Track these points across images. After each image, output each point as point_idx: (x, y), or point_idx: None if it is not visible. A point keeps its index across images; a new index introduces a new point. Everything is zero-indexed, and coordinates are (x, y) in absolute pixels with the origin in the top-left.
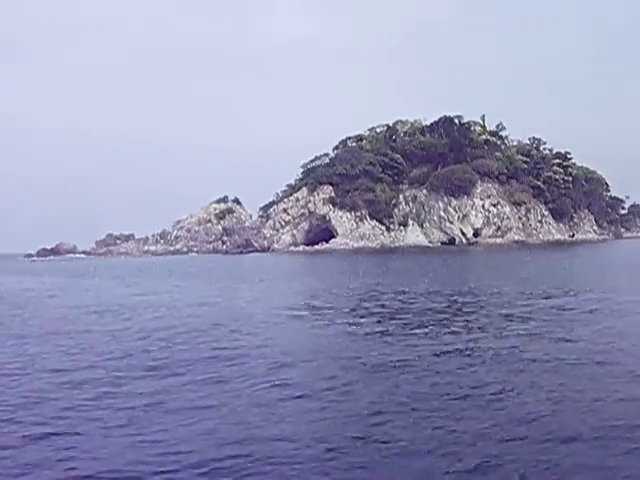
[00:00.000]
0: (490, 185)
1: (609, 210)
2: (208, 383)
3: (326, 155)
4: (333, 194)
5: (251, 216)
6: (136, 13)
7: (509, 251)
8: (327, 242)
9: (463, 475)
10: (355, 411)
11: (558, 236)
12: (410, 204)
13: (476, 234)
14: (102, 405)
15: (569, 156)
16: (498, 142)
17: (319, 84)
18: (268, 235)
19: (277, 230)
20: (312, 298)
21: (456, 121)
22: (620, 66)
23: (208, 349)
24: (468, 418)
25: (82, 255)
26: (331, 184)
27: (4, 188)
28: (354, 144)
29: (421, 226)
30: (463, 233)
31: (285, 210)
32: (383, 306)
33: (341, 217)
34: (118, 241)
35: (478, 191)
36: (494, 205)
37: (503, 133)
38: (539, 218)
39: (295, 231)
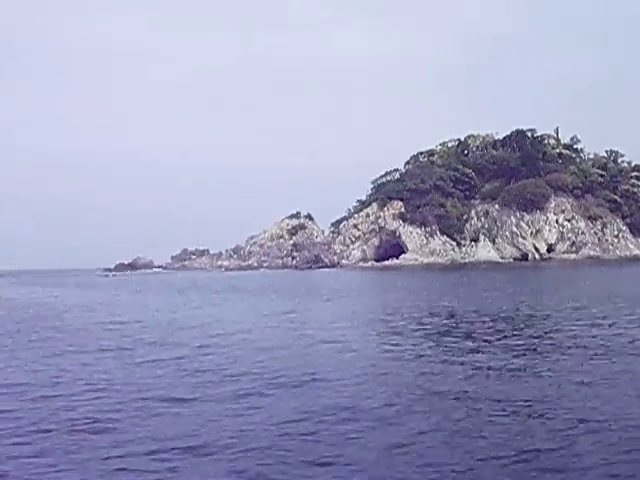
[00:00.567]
0: (564, 199)
1: None
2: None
3: (396, 170)
4: (403, 209)
5: (323, 232)
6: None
7: (582, 267)
8: (397, 258)
9: None
10: None
11: (636, 252)
12: (482, 219)
13: (550, 250)
14: None
15: None
16: (573, 155)
17: (390, 99)
18: (338, 251)
19: (347, 246)
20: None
21: (529, 134)
22: None
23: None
24: None
25: (158, 270)
26: (401, 199)
27: (93, 208)
28: (425, 159)
29: (493, 242)
30: (536, 249)
31: (355, 226)
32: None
33: (411, 232)
34: (193, 256)
35: (552, 206)
36: (568, 220)
37: (578, 146)
38: (615, 233)
39: (365, 247)
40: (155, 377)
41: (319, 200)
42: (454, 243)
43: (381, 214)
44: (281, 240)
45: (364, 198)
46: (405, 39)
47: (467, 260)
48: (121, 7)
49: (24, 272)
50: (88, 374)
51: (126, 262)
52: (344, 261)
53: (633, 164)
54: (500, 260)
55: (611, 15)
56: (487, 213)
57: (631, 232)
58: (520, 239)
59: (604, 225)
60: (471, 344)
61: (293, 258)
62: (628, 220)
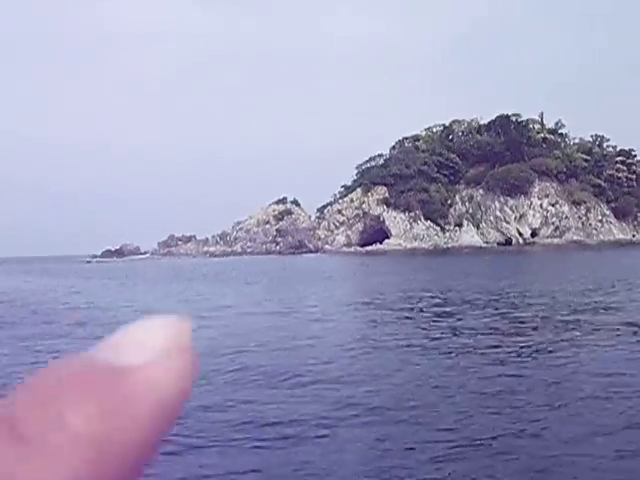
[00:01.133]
0: (548, 184)
1: None
2: None
3: (380, 156)
4: (387, 195)
5: (310, 217)
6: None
7: (564, 252)
8: (381, 243)
9: None
10: None
11: (620, 236)
12: (466, 204)
13: (534, 234)
14: None
15: (633, 153)
16: (557, 140)
17: (375, 84)
18: (323, 236)
19: (331, 231)
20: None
21: (513, 119)
22: None
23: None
24: None
25: (143, 256)
26: (385, 185)
27: (79, 193)
28: (410, 144)
29: (477, 226)
30: (520, 233)
31: (339, 211)
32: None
33: (395, 218)
34: (180, 242)
35: (536, 190)
36: (552, 204)
37: (562, 131)
38: (599, 217)
39: (349, 232)
40: None
41: (308, 186)
42: (438, 228)
43: (365, 199)
44: (267, 226)
45: (349, 183)
46: (392, 24)
47: (450, 245)
48: None
49: (7, 260)
50: None
51: (113, 249)
52: (327, 246)
53: (618, 149)
54: (484, 245)
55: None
56: (471, 198)
57: (615, 216)
58: (504, 224)
59: (588, 210)
60: (454, 327)
61: (277, 244)
62: (612, 204)
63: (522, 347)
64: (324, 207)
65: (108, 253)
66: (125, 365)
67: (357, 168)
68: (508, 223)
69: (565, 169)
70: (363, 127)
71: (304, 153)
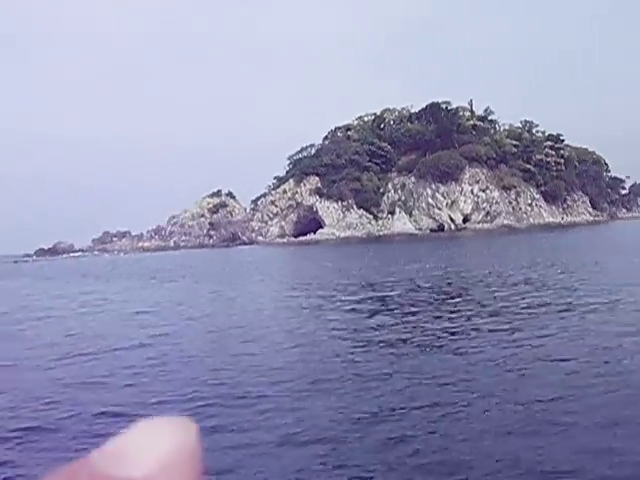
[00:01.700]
0: (479, 170)
1: (609, 191)
2: None
3: (312, 146)
4: (320, 185)
5: (246, 209)
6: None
7: (492, 236)
8: (315, 233)
9: None
10: None
11: (550, 219)
12: (399, 192)
13: (465, 220)
14: None
15: (562, 138)
16: (487, 126)
17: (311, 76)
18: (257, 228)
19: (265, 222)
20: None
21: (443, 107)
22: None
23: None
24: None
25: (77, 254)
26: (317, 175)
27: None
28: (342, 134)
29: (410, 214)
30: (452, 219)
31: (273, 202)
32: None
33: (328, 207)
34: (115, 238)
35: (466, 177)
36: (483, 190)
37: (492, 117)
38: (529, 201)
39: (283, 223)
40: None
41: (246, 178)
42: (371, 216)
43: (298, 190)
44: (202, 219)
45: (282, 174)
46: (329, 18)
47: (383, 233)
48: None
49: None
50: None
51: (46, 247)
52: (260, 238)
53: (547, 134)
54: (416, 232)
55: None
56: (404, 186)
57: (545, 200)
58: (436, 210)
59: (518, 194)
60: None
61: (210, 237)
62: (542, 189)
63: (442, 327)
64: (258, 199)
65: (42, 252)
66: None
67: (289, 159)
68: (440, 210)
69: (495, 155)
70: (302, 119)
71: (240, 145)
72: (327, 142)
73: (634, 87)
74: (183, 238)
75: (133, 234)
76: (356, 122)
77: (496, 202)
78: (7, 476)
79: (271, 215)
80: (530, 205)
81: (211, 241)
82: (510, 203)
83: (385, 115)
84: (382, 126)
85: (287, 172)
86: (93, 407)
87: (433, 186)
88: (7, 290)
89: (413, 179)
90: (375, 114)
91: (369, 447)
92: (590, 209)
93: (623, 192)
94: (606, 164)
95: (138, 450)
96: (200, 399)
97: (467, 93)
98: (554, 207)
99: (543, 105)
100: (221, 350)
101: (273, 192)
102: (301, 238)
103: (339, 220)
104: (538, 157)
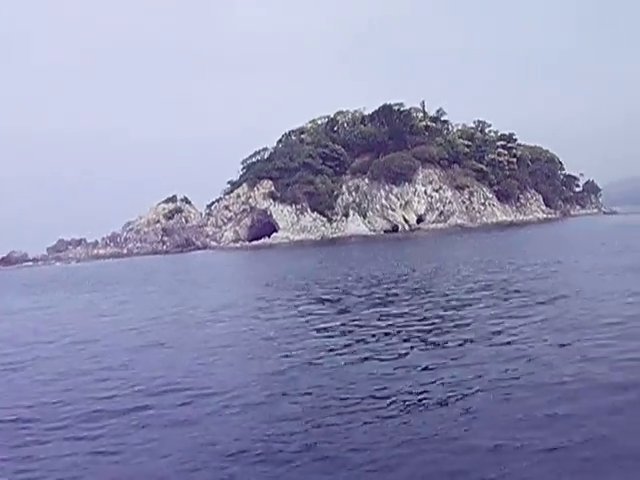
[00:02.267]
0: (432, 171)
1: (563, 188)
2: None
3: (265, 150)
4: (273, 188)
5: (201, 214)
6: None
7: (443, 235)
8: (269, 237)
9: None
10: None
11: (503, 217)
12: (353, 194)
13: (420, 220)
14: None
15: (514, 137)
16: (440, 127)
17: (266, 80)
18: (211, 233)
19: (219, 227)
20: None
21: (396, 109)
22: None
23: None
24: None
25: (30, 263)
26: (271, 178)
27: None
28: (295, 137)
29: (364, 215)
30: (406, 220)
31: (226, 207)
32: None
33: (282, 211)
34: (70, 246)
35: (420, 177)
36: (436, 190)
37: (444, 118)
38: (482, 201)
39: (237, 227)
40: None
41: (202, 183)
42: (325, 219)
43: (251, 194)
44: (157, 225)
45: (235, 179)
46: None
47: (337, 235)
48: None
49: None
50: None
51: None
52: (213, 243)
53: (499, 133)
54: (370, 233)
55: None
56: (357, 188)
57: (498, 199)
58: (390, 211)
59: (471, 194)
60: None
61: (164, 243)
62: (495, 188)
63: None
64: (212, 204)
65: None
66: None
67: (242, 163)
68: (394, 210)
69: (448, 155)
70: (260, 121)
71: (197, 149)
72: (280, 146)
73: (599, 86)
74: (138, 245)
75: (88, 241)
76: (310, 125)
77: (449, 202)
78: None
79: (225, 220)
80: (483, 204)
81: (164, 247)
82: (463, 203)
83: (338, 118)
84: (335, 129)
85: (241, 176)
86: None
87: (387, 187)
88: None
89: (367, 181)
90: (328, 117)
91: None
92: (543, 207)
93: (577, 189)
94: (560, 162)
95: None
96: None
97: (425, 94)
98: (507, 206)
99: (501, 104)
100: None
101: (227, 197)
102: (255, 242)
103: (293, 224)
104: (491, 157)
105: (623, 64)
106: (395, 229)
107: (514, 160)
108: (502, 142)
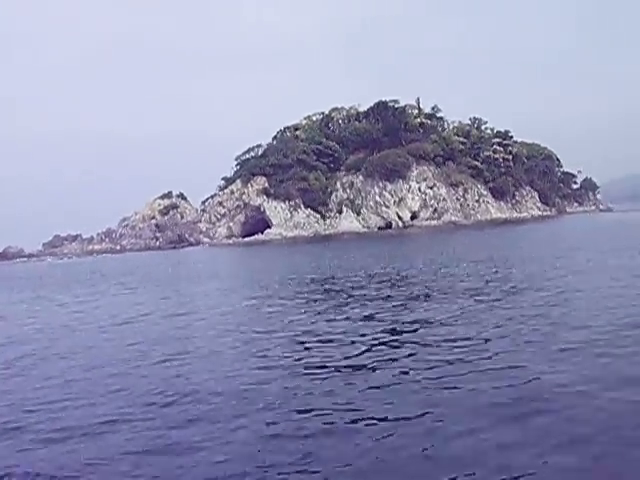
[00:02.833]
0: (426, 168)
1: (561, 185)
2: None
3: (259, 146)
4: (267, 185)
5: (197, 211)
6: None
7: (436, 233)
8: (262, 233)
9: None
10: None
11: (498, 215)
12: (347, 190)
13: (414, 217)
14: None
15: (510, 134)
16: (435, 124)
17: (263, 78)
18: (204, 229)
19: (213, 223)
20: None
21: (391, 105)
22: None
23: None
24: None
25: (25, 259)
26: (265, 175)
27: None
28: (290, 134)
29: (358, 212)
30: (400, 217)
31: (220, 203)
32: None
33: (275, 207)
34: (65, 242)
35: (414, 174)
36: (430, 187)
37: (440, 115)
38: (477, 198)
39: (231, 223)
40: None
41: (200, 179)
42: (318, 216)
43: (245, 190)
44: (153, 221)
45: (229, 175)
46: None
47: (330, 232)
48: None
49: None
50: None
51: None
52: (206, 239)
53: (495, 130)
54: (363, 230)
55: None
56: (352, 184)
57: (493, 196)
58: (384, 208)
59: (465, 191)
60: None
61: (157, 239)
62: (490, 185)
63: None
64: (206, 200)
65: None
66: None
67: (236, 159)
68: (388, 207)
69: (442, 152)
70: (257, 119)
71: (197, 148)
72: (275, 142)
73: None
74: (132, 241)
75: (84, 237)
76: (304, 122)
77: (443, 199)
78: None
79: (219, 216)
80: (478, 201)
81: (158, 243)
82: (458, 200)
83: (333, 114)
84: (330, 125)
85: (235, 173)
86: None
87: (381, 184)
88: None
89: (361, 178)
90: (323, 113)
91: None
92: (539, 204)
93: (575, 187)
94: (558, 159)
95: None
96: None
97: (423, 93)
98: (502, 203)
99: (501, 104)
100: None
101: (220, 193)
102: (248, 239)
103: (287, 220)
104: (486, 154)
105: (623, 64)
106: (389, 226)
107: (510, 157)
108: (498, 139)
